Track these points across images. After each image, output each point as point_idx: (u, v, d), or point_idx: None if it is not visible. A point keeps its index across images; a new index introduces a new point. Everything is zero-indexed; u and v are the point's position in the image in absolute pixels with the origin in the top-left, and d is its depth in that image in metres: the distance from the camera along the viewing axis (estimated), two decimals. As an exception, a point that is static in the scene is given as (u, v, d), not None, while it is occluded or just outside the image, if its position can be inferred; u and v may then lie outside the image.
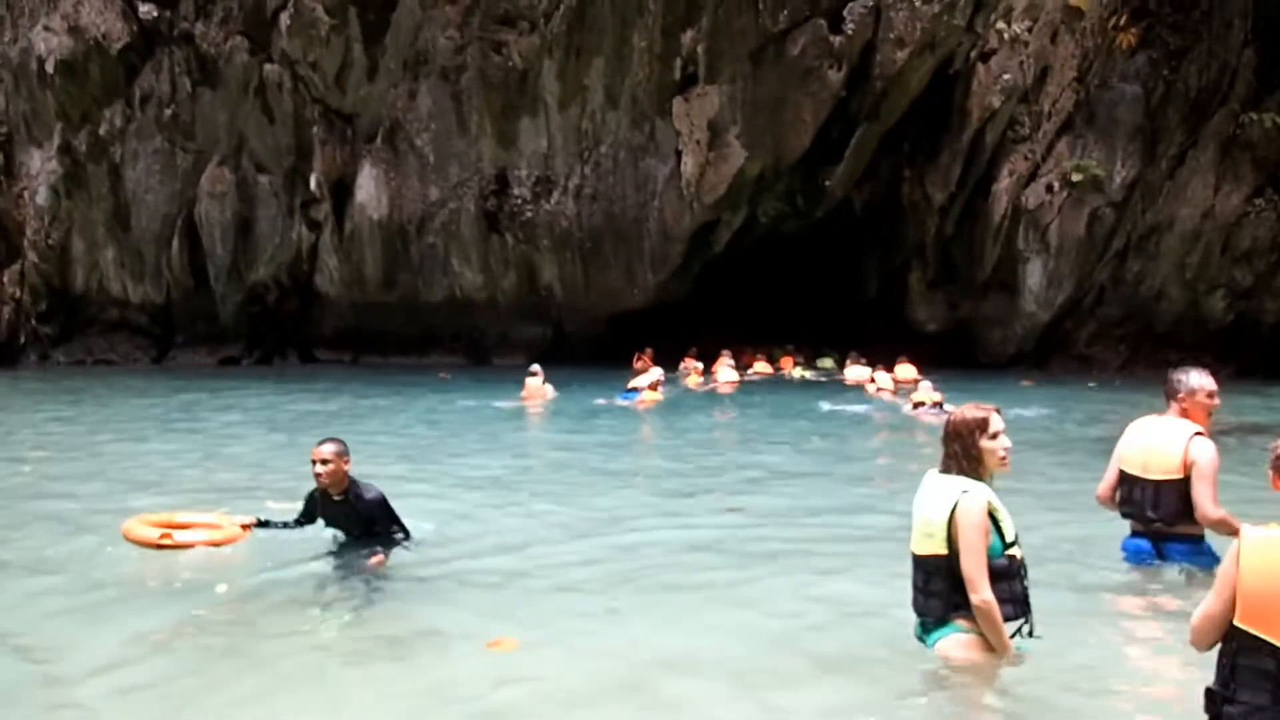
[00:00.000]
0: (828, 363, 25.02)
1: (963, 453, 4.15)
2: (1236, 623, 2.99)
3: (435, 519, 7.48)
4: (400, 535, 6.51)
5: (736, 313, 27.46)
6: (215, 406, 16.34)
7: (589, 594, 5.83)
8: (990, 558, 4.00)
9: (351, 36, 22.70)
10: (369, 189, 23.62)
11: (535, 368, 17.81)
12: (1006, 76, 23.20)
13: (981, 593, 3.95)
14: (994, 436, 4.16)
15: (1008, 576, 4.06)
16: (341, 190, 23.88)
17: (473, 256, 24.01)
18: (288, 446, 11.62)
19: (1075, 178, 23.21)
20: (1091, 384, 21.46)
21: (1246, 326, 24.29)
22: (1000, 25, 23.11)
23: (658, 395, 17.66)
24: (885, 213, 25.48)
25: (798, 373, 24.26)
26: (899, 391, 18.75)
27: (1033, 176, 23.80)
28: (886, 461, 12.15)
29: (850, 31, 21.35)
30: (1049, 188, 23.62)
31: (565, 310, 24.81)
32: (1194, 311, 24.24)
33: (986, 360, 25.28)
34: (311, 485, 6.44)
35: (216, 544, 6.51)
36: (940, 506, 4.08)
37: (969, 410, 4.23)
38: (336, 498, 6.34)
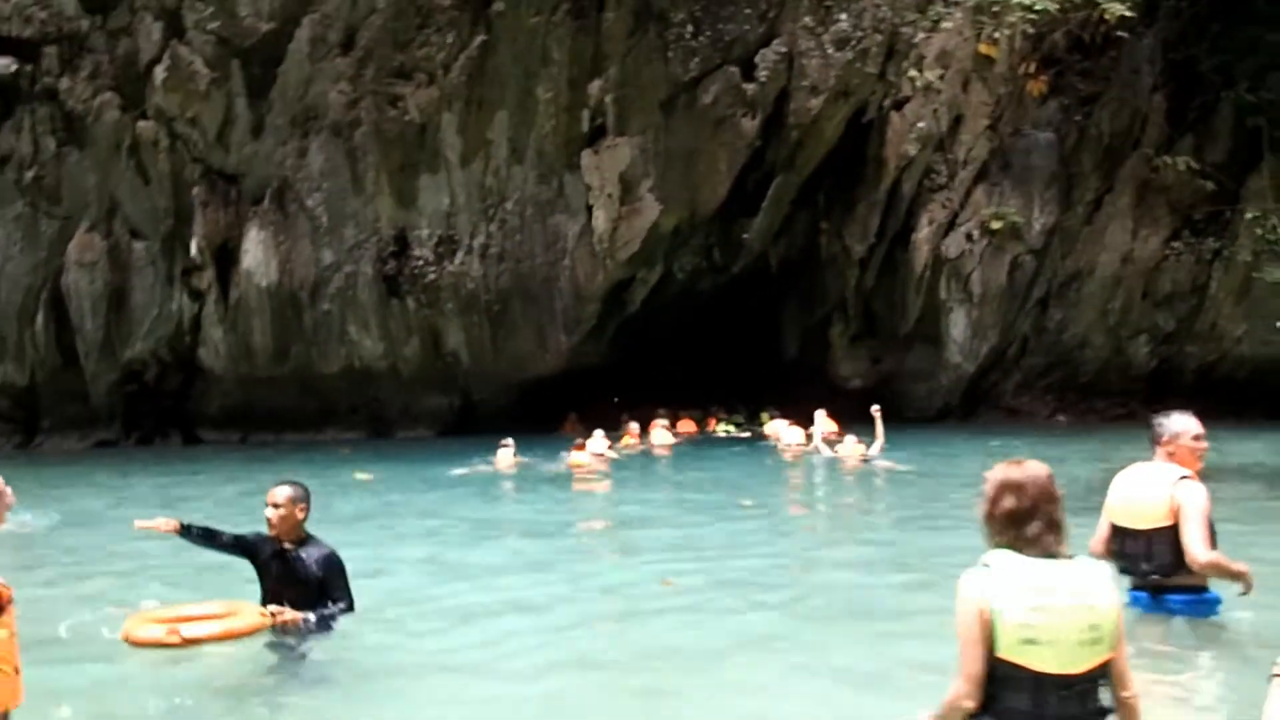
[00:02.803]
0: (733, 426, 23.96)
1: None
2: None
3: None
4: (341, 605, 5.86)
5: (653, 375, 26.24)
6: (93, 493, 14.41)
7: None
8: None
9: (234, 90, 21.09)
10: (256, 254, 21.85)
11: (507, 440, 17.19)
12: (921, 124, 22.76)
13: None
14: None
15: None
16: (226, 256, 22.04)
17: (371, 323, 22.37)
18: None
19: (994, 225, 22.80)
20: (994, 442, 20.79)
21: (1170, 372, 24.01)
22: (913, 73, 22.67)
23: (587, 462, 16.98)
24: (803, 267, 24.76)
25: (722, 429, 23.69)
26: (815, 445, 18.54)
27: (951, 225, 23.33)
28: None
29: (763, 79, 20.67)
30: (969, 236, 23.15)
31: (473, 378, 23.28)
32: (1118, 358, 23.92)
33: (913, 415, 24.51)
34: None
35: (236, 634, 5.89)
36: None
37: None
38: (286, 548, 5.88)
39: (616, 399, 23.21)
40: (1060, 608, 3.01)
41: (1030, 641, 3.00)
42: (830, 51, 20.89)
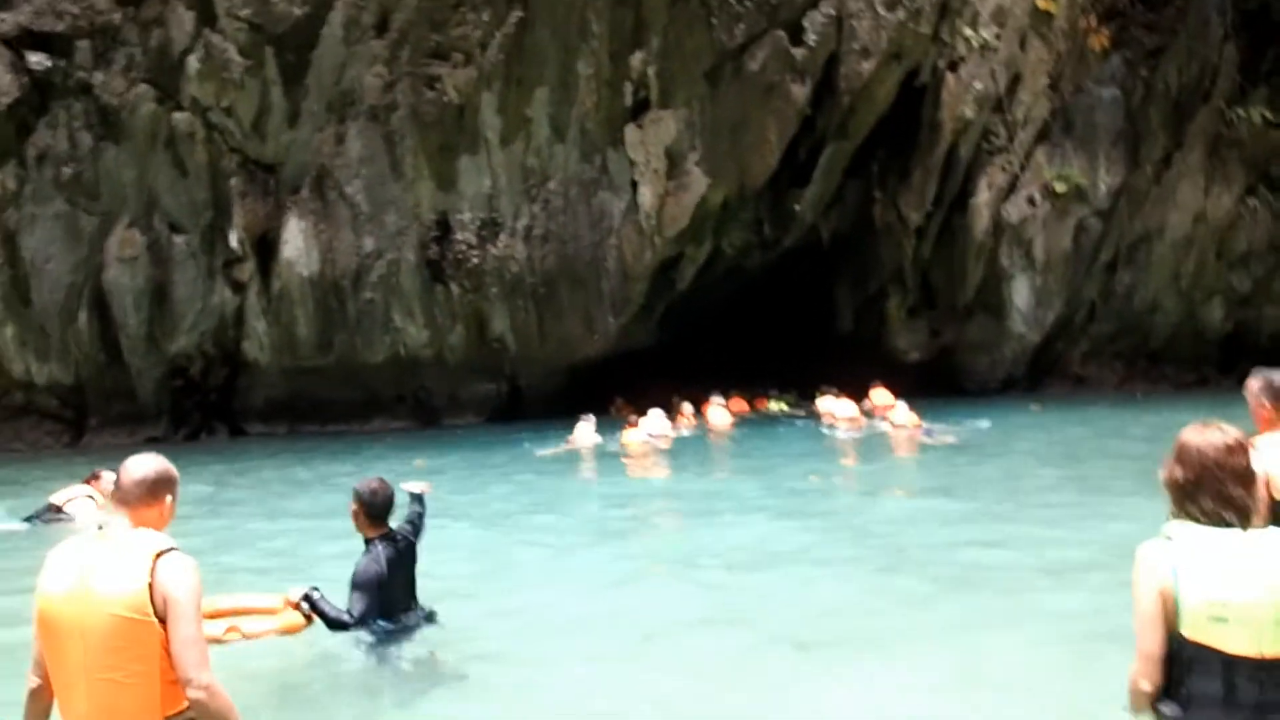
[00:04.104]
0: (785, 403, 23.29)
1: None
2: None
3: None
4: (337, 613, 5.56)
5: (703, 356, 25.55)
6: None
7: None
8: None
9: (269, 78, 20.64)
10: (297, 243, 21.45)
11: (588, 415, 17.99)
12: (978, 85, 21.77)
13: None
14: None
15: None
16: (266, 247, 21.66)
17: (416, 310, 21.90)
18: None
19: (1058, 188, 21.80)
20: (1034, 406, 20.09)
21: (1246, 335, 22.90)
22: (968, 32, 21.70)
23: (642, 440, 17.05)
24: (856, 239, 23.89)
25: (774, 406, 23.28)
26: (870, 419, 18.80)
27: (1012, 189, 22.33)
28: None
29: (812, 43, 19.82)
30: (1030, 200, 22.16)
31: (519, 363, 22.75)
32: (1191, 323, 22.84)
33: (973, 388, 23.67)
34: None
35: (294, 629, 5.72)
36: None
37: None
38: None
39: (662, 388, 22.62)
40: (1254, 583, 2.70)
41: (1219, 620, 2.70)
42: (881, 12, 20.00)
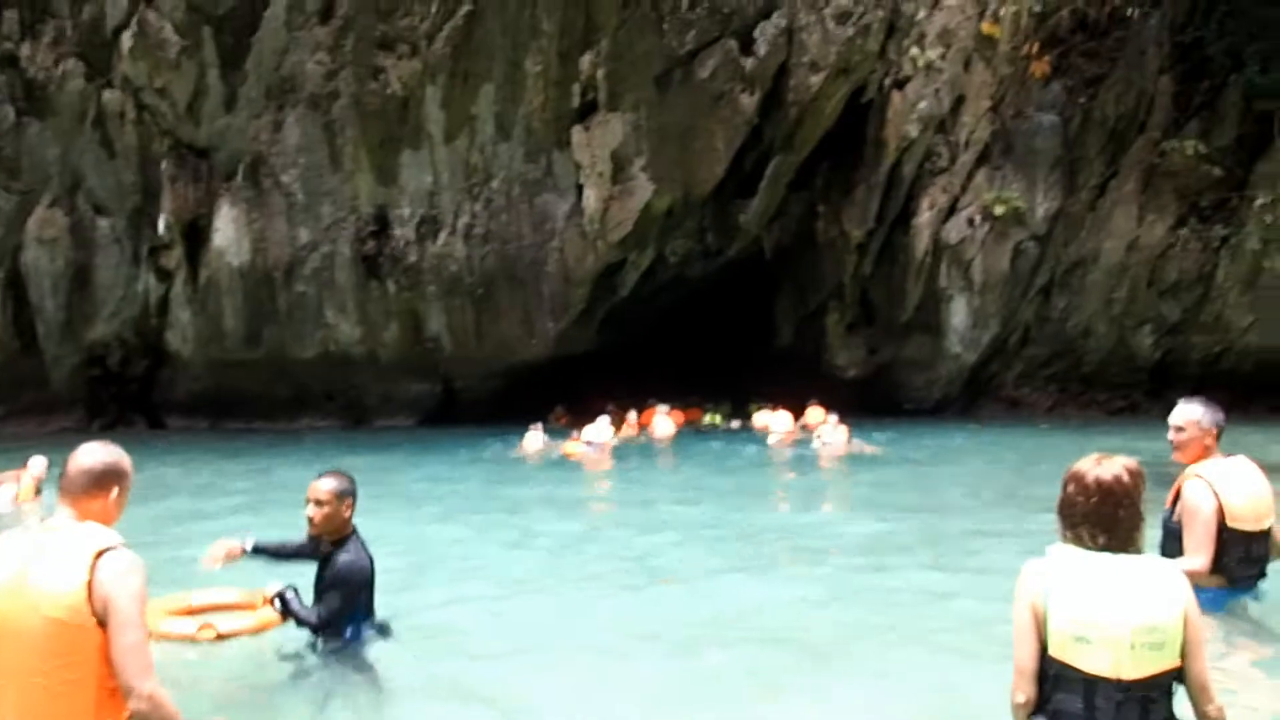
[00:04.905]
0: (718, 417, 23.23)
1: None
2: None
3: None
4: (318, 612, 5.05)
5: (643, 365, 25.32)
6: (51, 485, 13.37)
7: None
8: None
9: (206, 60, 20.03)
10: (228, 232, 20.79)
11: (536, 424, 17.89)
12: (922, 104, 21.91)
13: None
14: None
15: None
16: (195, 234, 20.97)
17: (349, 306, 21.33)
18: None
19: (997, 210, 22.00)
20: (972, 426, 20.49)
21: (1174, 363, 23.32)
22: (914, 51, 21.87)
23: (583, 450, 16.94)
24: (798, 253, 23.89)
25: (707, 420, 23.17)
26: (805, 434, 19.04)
27: (952, 210, 22.50)
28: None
29: (763, 54, 19.79)
30: (970, 221, 22.34)
31: (455, 364, 22.28)
32: (1122, 349, 23.18)
33: (910, 406, 23.79)
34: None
35: (270, 627, 5.39)
36: None
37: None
38: (325, 549, 5.15)
39: (599, 395, 22.45)
40: (1116, 607, 2.84)
41: (1082, 640, 2.85)
42: (831, 26, 20.05)
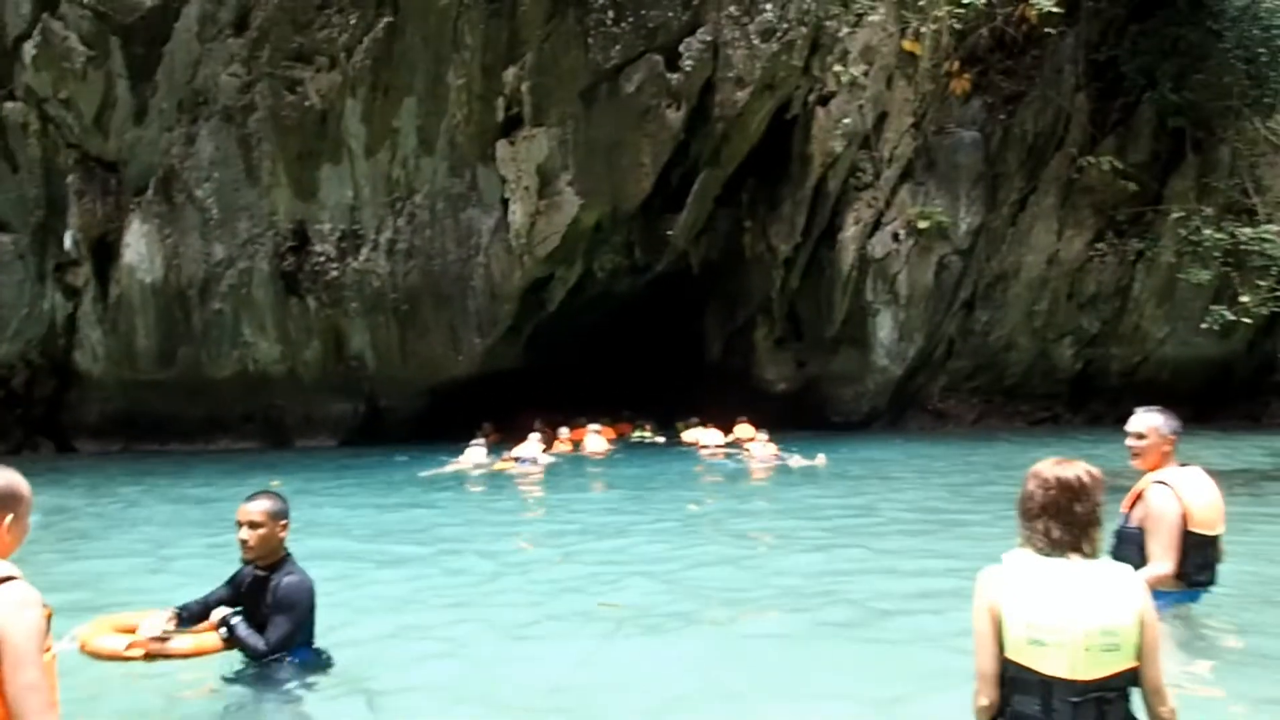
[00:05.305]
0: (647, 432, 23.18)
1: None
2: None
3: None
4: (266, 639, 4.81)
5: (571, 381, 25.08)
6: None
7: None
8: None
9: (114, 71, 19.35)
10: (139, 248, 20.09)
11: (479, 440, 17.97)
12: (846, 121, 22.08)
13: None
14: None
15: None
16: (105, 250, 20.22)
17: (268, 324, 20.75)
18: None
19: (921, 224, 22.25)
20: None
21: (1094, 374, 23.79)
22: (837, 68, 22.02)
23: (518, 468, 16.84)
24: (726, 268, 23.87)
25: (636, 435, 23.15)
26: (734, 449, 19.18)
27: (877, 225, 22.69)
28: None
29: (688, 69, 19.72)
30: (895, 236, 22.56)
31: (379, 383, 21.80)
32: (1044, 361, 23.59)
33: (838, 419, 23.89)
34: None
35: (207, 650, 5.04)
36: None
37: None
38: (260, 574, 4.96)
39: (524, 411, 22.17)
40: (1069, 609, 2.88)
41: (1037, 642, 2.90)
42: (756, 42, 20.07)
